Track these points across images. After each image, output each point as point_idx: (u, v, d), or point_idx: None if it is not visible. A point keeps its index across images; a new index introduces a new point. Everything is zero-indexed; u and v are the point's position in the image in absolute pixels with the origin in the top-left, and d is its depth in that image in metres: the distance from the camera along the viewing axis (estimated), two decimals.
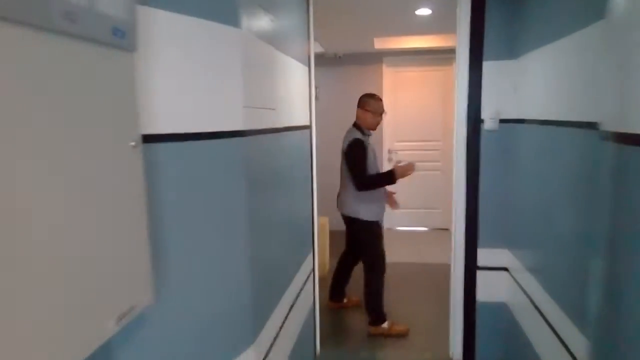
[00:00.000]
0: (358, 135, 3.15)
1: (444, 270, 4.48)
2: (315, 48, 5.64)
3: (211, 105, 1.36)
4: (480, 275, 2.74)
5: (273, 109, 1.87)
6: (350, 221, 3.29)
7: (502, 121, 2.60)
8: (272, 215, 1.87)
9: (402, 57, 5.82)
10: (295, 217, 2.40)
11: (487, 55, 2.57)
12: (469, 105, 2.62)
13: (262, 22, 1.71)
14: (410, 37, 5.50)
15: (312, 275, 2.79)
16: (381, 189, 3.26)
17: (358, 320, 3.52)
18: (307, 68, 2.66)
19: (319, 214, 4.76)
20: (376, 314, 3.27)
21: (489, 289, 2.74)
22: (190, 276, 1.33)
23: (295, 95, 2.35)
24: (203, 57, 1.33)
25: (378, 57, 5.83)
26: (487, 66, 2.58)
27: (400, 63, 5.88)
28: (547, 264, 2.13)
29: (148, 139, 1.16)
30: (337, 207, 3.39)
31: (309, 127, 2.67)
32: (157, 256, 1.18)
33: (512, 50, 2.53)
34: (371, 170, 3.14)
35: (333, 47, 5.54)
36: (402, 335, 3.25)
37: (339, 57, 5.83)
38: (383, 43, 5.51)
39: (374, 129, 3.27)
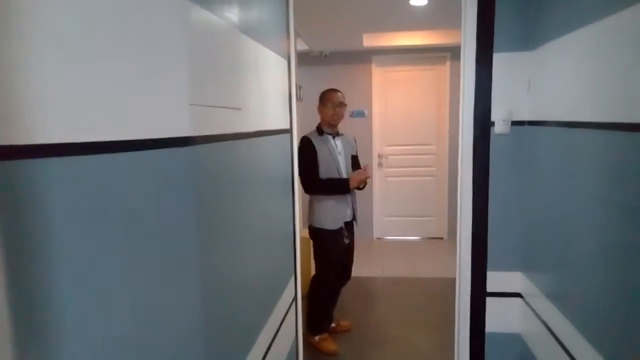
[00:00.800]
0: (309, 133, 3.02)
1: (441, 286, 4.14)
2: (299, 45, 5.25)
3: (136, 101, 0.94)
4: (490, 302, 2.35)
5: (238, 109, 1.46)
6: (309, 230, 3.12)
7: (515, 123, 2.23)
8: (239, 242, 1.46)
9: (392, 56, 5.46)
10: (273, 238, 1.99)
11: (498, 45, 2.19)
12: (476, 106, 2.24)
13: None
14: (401, 34, 5.13)
15: (294, 304, 2.38)
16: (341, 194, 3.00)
17: (351, 351, 3.12)
18: (286, 62, 2.25)
19: (303, 226, 4.37)
20: (310, 322, 3.15)
21: (500, 317, 2.36)
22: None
23: (271, 93, 1.94)
24: (119, 23, 0.91)
25: (367, 56, 5.46)
26: (498, 59, 2.20)
27: (390, 62, 5.51)
28: (571, 290, 1.80)
29: (20, 152, 0.74)
30: None
31: (288, 131, 2.27)
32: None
33: (527, 39, 2.15)
34: (328, 171, 2.93)
35: (319, 45, 5.15)
36: (330, 354, 3.09)
37: (325, 55, 5.44)
38: (372, 40, 5.13)
39: (334, 123, 3.05)
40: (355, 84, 5.50)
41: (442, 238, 5.68)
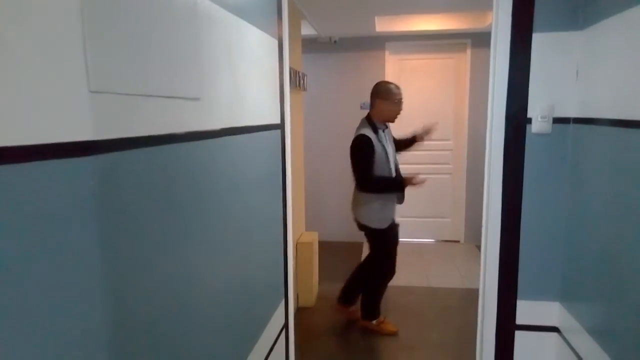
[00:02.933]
0: (365, 130, 2.82)
1: (457, 298, 3.75)
2: (305, 30, 4.83)
3: None
4: (519, 336, 1.96)
5: (195, 99, 1.07)
6: (359, 226, 3.08)
7: (557, 121, 1.81)
8: (198, 269, 1.09)
9: (407, 43, 5.01)
10: (253, 257, 1.62)
11: (539, 24, 1.77)
12: (509, 99, 1.83)
13: None
14: (418, 18, 4.68)
15: (284, 332, 2.00)
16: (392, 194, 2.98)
17: None
18: (277, 44, 1.86)
19: (308, 228, 3.98)
20: (367, 310, 3.21)
21: (531, 355, 1.96)
22: None
23: (254, 80, 1.56)
24: None
25: (380, 42, 5.02)
26: (539, 41, 1.78)
27: (405, 49, 5.07)
28: (622, 327, 1.44)
29: None
30: (352, 209, 3.13)
31: (279, 126, 1.88)
32: None
33: (576, 16, 1.73)
34: (381, 170, 2.83)
35: (327, 30, 4.73)
36: (391, 334, 3.16)
37: (335, 41, 5.02)
38: (386, 25, 4.70)
39: (392, 120, 2.95)
40: (367, 73, 5.07)
41: (458, 241, 5.27)
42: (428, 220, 5.32)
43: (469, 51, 4.92)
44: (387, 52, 5.04)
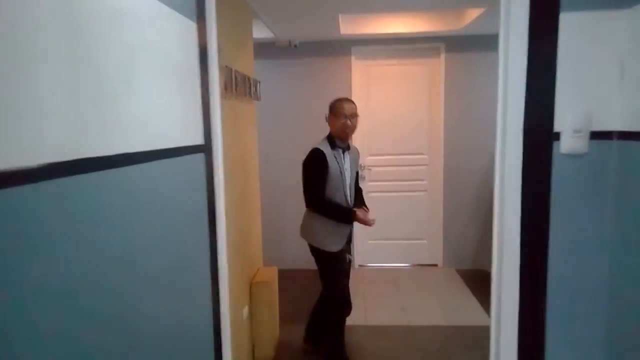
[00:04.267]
0: (322, 145, 2.69)
1: (441, 339, 3.21)
2: (261, 33, 4.27)
3: None
4: None
5: None
6: (310, 249, 2.82)
7: (596, 136, 1.30)
8: None
9: (375, 47, 4.52)
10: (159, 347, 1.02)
11: (568, 1, 1.26)
12: (528, 106, 1.31)
13: None
14: (386, 19, 4.21)
15: None
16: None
17: None
18: (195, 26, 1.27)
19: (268, 258, 3.39)
20: (330, 352, 2.87)
21: None
22: None
23: (145, 78, 0.97)
24: None
25: (345, 47, 4.51)
26: (568, 24, 1.27)
27: (373, 54, 4.58)
28: None
29: None
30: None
31: (201, 148, 1.29)
32: None
33: None
34: (334, 190, 2.66)
35: (286, 32, 4.18)
36: None
37: (295, 45, 4.48)
38: (351, 27, 4.19)
39: (344, 137, 2.71)
40: (332, 81, 4.55)
41: (436, 265, 4.77)
42: (402, 243, 4.80)
43: (443, 56, 4.47)
44: (353, 58, 4.53)
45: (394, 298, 4.03)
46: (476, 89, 4.47)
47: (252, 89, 2.88)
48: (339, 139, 2.69)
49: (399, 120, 4.63)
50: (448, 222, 4.66)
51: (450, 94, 4.49)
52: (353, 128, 2.69)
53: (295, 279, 4.50)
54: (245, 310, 2.74)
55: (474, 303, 3.88)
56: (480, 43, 4.38)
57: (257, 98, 3.07)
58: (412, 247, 4.79)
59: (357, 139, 4.60)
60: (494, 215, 1.43)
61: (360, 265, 4.80)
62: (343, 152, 2.72)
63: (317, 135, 4.64)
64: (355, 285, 4.34)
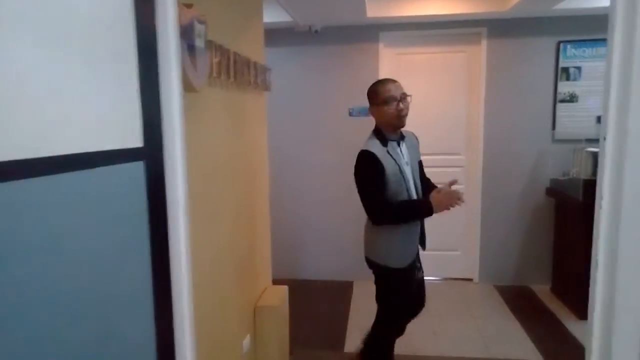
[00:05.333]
0: (371, 143, 2.18)
1: None
2: (278, 17, 3.80)
3: None
4: None
5: None
6: (369, 264, 2.34)
7: None
8: None
9: (406, 33, 4.00)
10: None
11: None
12: None
13: None
14: (418, 1, 3.68)
15: None
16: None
17: None
18: None
19: (281, 269, 2.97)
20: None
21: None
22: None
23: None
24: None
25: (372, 33, 4.00)
26: None
27: (404, 41, 4.06)
28: None
29: None
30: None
31: (138, 153, 0.83)
32: None
33: None
34: (396, 192, 2.16)
35: (306, 16, 3.71)
36: None
37: (316, 31, 4.00)
38: (379, 9, 3.69)
39: (399, 125, 2.21)
40: (357, 71, 4.06)
41: (471, 279, 4.23)
42: (434, 254, 4.26)
43: (484, 43, 3.90)
44: (381, 45, 4.02)
45: (424, 320, 3.52)
46: (523, 81, 3.90)
47: (260, 77, 2.42)
48: (392, 129, 2.20)
49: (432, 116, 4.10)
50: (486, 232, 4.11)
51: (493, 86, 3.93)
52: (407, 110, 2.20)
53: (315, 293, 4.06)
54: (247, 341, 2.30)
55: (517, 328, 3.34)
56: (528, 27, 3.81)
57: (266, 88, 2.61)
58: (444, 259, 4.26)
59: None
60: (596, 241, 0.94)
61: None
62: (398, 144, 2.24)
63: (339, 130, 4.19)
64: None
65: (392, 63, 4.07)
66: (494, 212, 4.07)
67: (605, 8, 3.64)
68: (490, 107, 3.95)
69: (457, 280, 4.25)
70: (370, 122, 4.11)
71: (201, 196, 1.71)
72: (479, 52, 3.94)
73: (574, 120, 3.86)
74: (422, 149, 4.18)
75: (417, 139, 2.49)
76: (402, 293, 2.29)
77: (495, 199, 4.05)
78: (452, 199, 2.11)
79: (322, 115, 4.15)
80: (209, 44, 1.63)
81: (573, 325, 3.36)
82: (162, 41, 0.89)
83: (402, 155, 2.25)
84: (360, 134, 4.14)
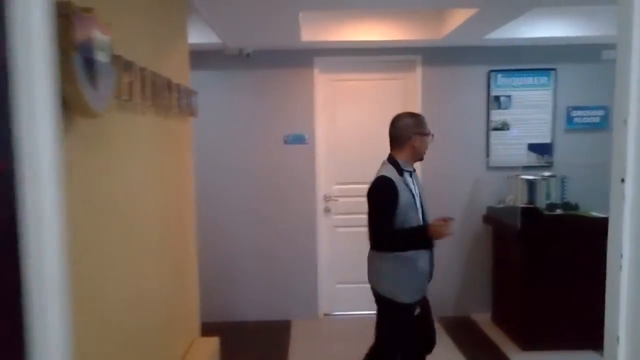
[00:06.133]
0: (387, 171, 2.26)
1: None
2: (208, 38, 3.54)
3: None
4: None
5: None
6: (375, 296, 2.35)
7: None
8: None
9: (342, 58, 3.89)
10: None
11: None
12: None
13: None
14: (354, 26, 3.58)
15: None
16: (423, 253, 2.29)
17: None
18: None
19: (210, 313, 2.62)
20: None
21: None
22: None
23: None
24: None
25: (307, 57, 3.85)
26: None
27: (339, 67, 3.94)
28: None
29: None
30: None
31: None
32: None
33: None
34: (408, 222, 2.20)
35: (236, 39, 3.48)
36: None
37: (247, 54, 3.78)
38: (314, 33, 3.55)
39: (422, 157, 2.38)
40: (291, 97, 3.87)
41: None
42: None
43: (419, 70, 3.88)
44: (316, 70, 3.87)
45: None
46: (457, 109, 3.90)
47: (184, 100, 2.14)
48: (414, 161, 2.33)
49: (369, 143, 3.97)
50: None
51: (428, 114, 3.86)
52: None
53: (249, 337, 3.71)
54: None
55: None
56: (461, 55, 3.84)
57: (192, 113, 2.33)
58: None
59: (321, 166, 3.94)
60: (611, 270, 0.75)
61: (325, 315, 4.04)
62: (410, 176, 2.33)
63: (274, 160, 3.95)
64: (320, 342, 3.61)
65: (327, 89, 3.92)
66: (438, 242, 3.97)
67: (532, 39, 3.81)
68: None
69: None
70: (302, 151, 3.96)
71: (109, 238, 1.38)
72: (414, 79, 3.90)
73: (507, 148, 3.90)
74: (356, 179, 4.06)
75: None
76: (406, 330, 2.26)
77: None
78: (443, 230, 2.15)
79: (256, 143, 3.89)
80: (117, 60, 1.34)
81: (517, 357, 3.29)
82: (21, 47, 0.61)
83: (415, 185, 2.32)
84: (296, 163, 3.96)
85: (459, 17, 3.15)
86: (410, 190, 2.24)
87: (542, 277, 3.27)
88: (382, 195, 2.19)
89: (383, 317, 2.33)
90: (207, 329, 3.81)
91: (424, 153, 2.34)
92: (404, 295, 2.23)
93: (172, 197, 2.05)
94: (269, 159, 3.88)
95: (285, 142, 3.88)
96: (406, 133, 2.28)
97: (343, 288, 4.06)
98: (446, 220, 2.16)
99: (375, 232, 2.20)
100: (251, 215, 3.91)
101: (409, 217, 2.19)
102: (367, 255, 3.48)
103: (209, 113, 3.82)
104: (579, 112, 3.81)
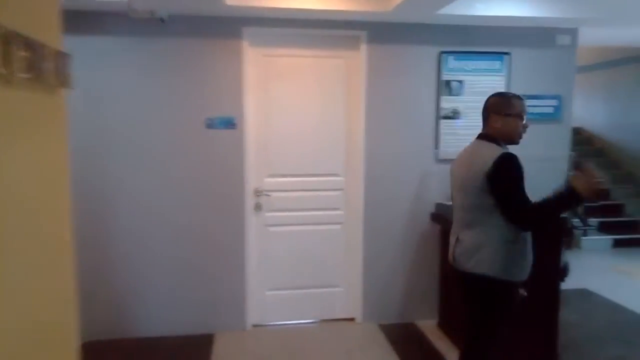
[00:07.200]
0: (505, 148, 2.14)
1: None
2: None
3: None
4: None
5: None
6: (470, 279, 2.16)
7: None
8: None
9: (275, 30, 3.33)
10: None
11: None
12: None
13: None
14: None
15: None
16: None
17: None
18: None
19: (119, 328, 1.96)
20: None
21: None
22: None
23: None
24: None
25: (234, 27, 3.25)
26: None
27: (273, 40, 3.38)
28: None
29: None
30: (452, 259, 2.28)
31: None
32: None
33: None
34: None
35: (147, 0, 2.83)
36: None
37: (162, 19, 3.12)
38: None
39: (516, 142, 2.22)
40: (217, 73, 3.27)
41: (353, 319, 3.67)
42: (312, 292, 3.63)
43: (364, 48, 3.40)
44: (245, 43, 3.29)
45: None
46: (406, 94, 3.49)
47: (46, 64, 1.50)
48: (508, 143, 2.21)
49: (307, 131, 3.48)
50: (369, 263, 3.60)
51: (374, 98, 3.45)
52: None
53: (163, 356, 3.13)
54: None
55: None
56: (410, 33, 3.42)
57: (63, 83, 1.69)
58: (323, 297, 3.65)
59: (251, 155, 3.39)
60: None
61: (254, 326, 3.53)
62: None
63: (192, 148, 3.30)
64: (248, 357, 3.11)
65: (259, 65, 3.36)
66: (377, 241, 3.57)
67: (486, 18, 3.46)
68: (371, 122, 3.46)
69: (338, 321, 3.66)
70: (230, 136, 3.36)
71: None
72: (359, 58, 3.43)
73: (458, 139, 3.55)
74: (294, 170, 3.55)
75: None
76: (508, 311, 2.17)
77: (379, 226, 3.56)
78: (592, 183, 1.94)
79: (172, 127, 3.26)
80: None
81: None
82: None
83: None
84: (221, 151, 3.36)
85: None
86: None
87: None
88: (516, 172, 2.06)
89: (491, 303, 2.17)
90: (114, 347, 3.19)
91: (518, 137, 2.21)
92: (520, 272, 2.13)
93: (24, 194, 1.43)
94: (188, 146, 3.27)
95: (209, 126, 3.28)
96: (491, 113, 2.22)
97: (275, 295, 3.56)
98: (584, 170, 1.98)
99: (517, 209, 2.04)
100: (167, 215, 3.30)
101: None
102: (300, 257, 3.19)
103: (110, 89, 3.15)
104: (534, 102, 3.51)
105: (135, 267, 3.30)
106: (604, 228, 6.31)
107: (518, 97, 2.22)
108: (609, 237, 6.14)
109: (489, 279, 2.09)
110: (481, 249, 2.11)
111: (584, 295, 4.31)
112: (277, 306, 3.57)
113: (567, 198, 2.01)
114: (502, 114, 2.16)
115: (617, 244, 6.07)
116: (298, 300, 3.59)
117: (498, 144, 2.16)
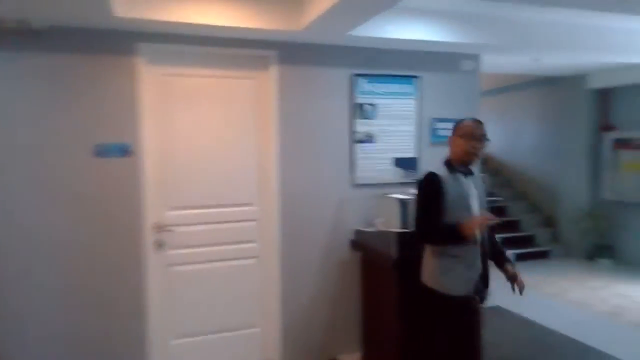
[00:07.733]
0: (437, 168, 2.34)
1: None
2: None
3: None
4: None
5: None
6: (424, 292, 2.38)
7: None
8: None
9: (177, 48, 3.02)
10: None
11: None
12: None
13: None
14: (194, 5, 2.77)
15: None
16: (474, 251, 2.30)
17: None
18: None
19: None
20: None
21: None
22: None
23: None
24: None
25: (127, 41, 2.88)
26: None
27: (175, 59, 3.06)
28: None
29: None
30: None
31: None
32: None
33: None
34: (457, 217, 2.23)
35: (12, 4, 2.38)
36: None
37: (37, 32, 2.67)
38: (134, 8, 2.62)
39: (467, 159, 2.32)
40: (106, 94, 2.87)
41: None
42: (225, 336, 3.26)
43: (274, 69, 3.20)
44: (141, 60, 2.92)
45: None
46: (319, 118, 3.34)
47: None
48: (459, 163, 2.33)
49: (214, 157, 3.17)
50: (287, 299, 3.32)
51: (287, 121, 3.25)
52: (478, 152, 2.32)
53: None
54: None
55: None
56: (322, 55, 3.29)
57: None
58: (239, 341, 3.29)
59: (150, 186, 2.99)
60: None
61: None
62: (465, 177, 2.34)
63: (78, 180, 2.83)
64: None
65: (158, 86, 3.00)
66: (295, 274, 3.32)
67: (397, 41, 3.44)
68: (284, 147, 3.25)
69: None
70: (123, 165, 2.94)
71: None
72: (269, 79, 3.22)
73: (373, 163, 3.46)
74: (200, 201, 3.20)
75: (484, 184, 2.52)
76: (443, 322, 2.31)
77: (296, 257, 3.32)
78: (481, 220, 2.21)
79: (45, 157, 2.77)
80: None
81: None
82: None
83: (469, 186, 2.33)
84: (114, 180, 2.91)
85: (320, 6, 2.59)
86: (461, 190, 2.28)
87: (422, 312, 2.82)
88: (426, 189, 2.29)
89: (433, 312, 2.36)
90: None
91: (465, 155, 2.29)
92: (448, 285, 2.27)
93: None
94: (72, 177, 2.80)
95: (98, 154, 2.85)
96: (452, 134, 2.37)
97: (183, 344, 3.14)
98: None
99: (417, 224, 2.32)
100: (52, 256, 2.78)
101: (457, 217, 2.21)
102: (210, 297, 3.11)
103: None
104: (444, 125, 3.55)
105: (17, 316, 2.72)
106: (504, 244, 6.65)
107: (473, 120, 2.35)
108: (511, 252, 6.47)
109: (427, 288, 2.33)
110: (424, 260, 2.40)
111: (499, 313, 4.39)
112: (185, 356, 3.15)
113: (452, 229, 2.21)
114: (453, 135, 2.34)
115: (519, 258, 6.40)
116: (210, 346, 3.20)
117: (448, 165, 2.33)
